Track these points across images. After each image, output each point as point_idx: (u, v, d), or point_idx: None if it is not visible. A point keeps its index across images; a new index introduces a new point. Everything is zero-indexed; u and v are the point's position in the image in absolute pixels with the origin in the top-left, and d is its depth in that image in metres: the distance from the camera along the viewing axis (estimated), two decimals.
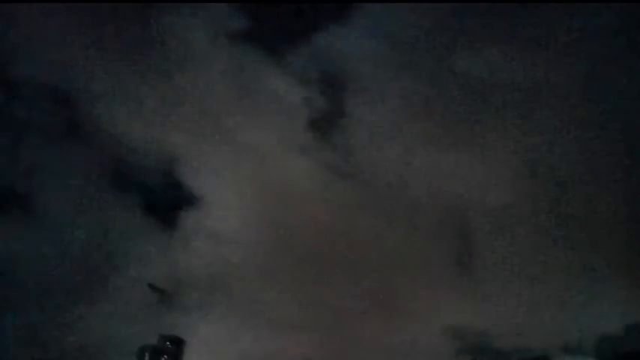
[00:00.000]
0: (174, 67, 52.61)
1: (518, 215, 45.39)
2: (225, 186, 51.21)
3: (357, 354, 41.62)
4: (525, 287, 42.15)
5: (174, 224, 53.45)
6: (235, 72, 59.79)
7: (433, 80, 51.86)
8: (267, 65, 61.07)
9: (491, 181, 48.38)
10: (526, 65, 46.81)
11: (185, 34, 52.64)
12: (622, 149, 42.95)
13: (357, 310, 47.28)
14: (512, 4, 47.41)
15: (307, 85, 59.28)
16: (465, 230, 48.35)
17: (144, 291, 40.96)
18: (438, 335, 44.35)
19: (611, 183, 42.69)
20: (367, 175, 55.23)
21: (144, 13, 50.92)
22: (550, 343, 37.37)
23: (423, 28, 51.48)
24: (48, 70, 47.18)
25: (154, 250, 47.00)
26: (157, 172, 52.89)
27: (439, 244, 48.85)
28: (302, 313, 47.14)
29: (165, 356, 34.96)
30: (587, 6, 45.16)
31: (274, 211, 50.15)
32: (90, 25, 48.72)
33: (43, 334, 35.25)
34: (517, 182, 47.55)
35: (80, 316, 36.91)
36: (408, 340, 42.34)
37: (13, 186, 43.58)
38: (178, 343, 35.52)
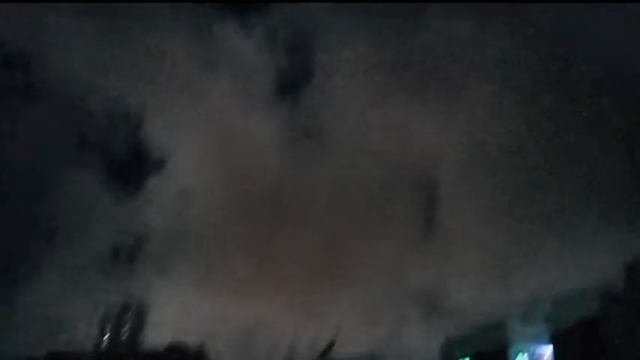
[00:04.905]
0: (139, 28, 50.49)
1: (482, 179, 45.48)
2: (189, 146, 50.39)
3: (319, 314, 42.28)
4: (489, 253, 42.73)
5: (138, 185, 52.57)
6: (201, 33, 57.59)
7: (400, 43, 50.72)
8: (234, 25, 58.83)
9: (457, 141, 48.15)
10: (496, 27, 45.84)
11: None
12: (585, 105, 42.71)
13: (320, 269, 47.75)
14: None
15: (273, 46, 57.51)
16: (429, 191, 48.43)
17: (107, 255, 40.73)
18: (403, 297, 45.16)
19: (576, 144, 42.67)
20: (331, 135, 54.63)
21: None
22: (509, 309, 38.11)
23: None
24: (2, 27, 44.92)
25: (117, 214, 46.43)
26: (120, 133, 51.59)
27: (404, 204, 49.03)
28: (265, 273, 47.49)
29: (130, 321, 35.16)
30: None
31: (238, 171, 49.71)
32: None
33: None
34: (483, 141, 47.36)
35: (38, 288, 36.51)
36: (371, 302, 43.07)
37: None
38: (141, 308, 35.62)
